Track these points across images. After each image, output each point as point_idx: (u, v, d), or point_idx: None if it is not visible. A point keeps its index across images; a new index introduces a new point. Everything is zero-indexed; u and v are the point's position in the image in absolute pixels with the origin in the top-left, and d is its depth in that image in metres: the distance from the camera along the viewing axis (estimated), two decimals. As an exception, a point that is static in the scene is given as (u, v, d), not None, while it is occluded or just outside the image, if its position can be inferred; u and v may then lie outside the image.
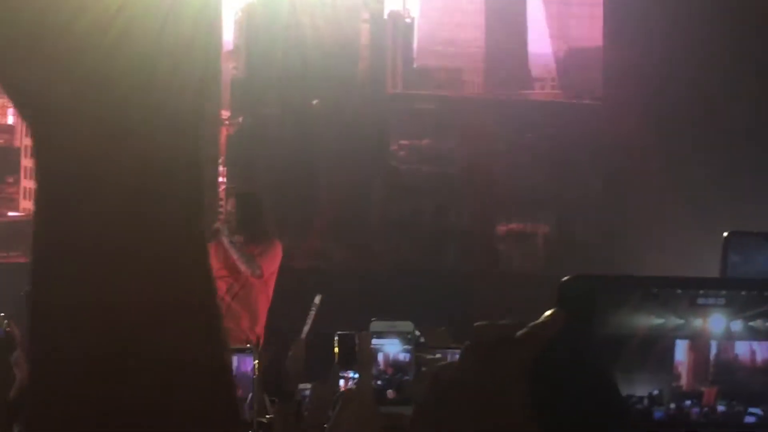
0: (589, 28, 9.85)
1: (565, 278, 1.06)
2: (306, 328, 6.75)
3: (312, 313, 6.83)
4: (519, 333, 1.00)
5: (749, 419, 1.16)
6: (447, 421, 1.00)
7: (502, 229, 9.33)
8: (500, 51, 9.86)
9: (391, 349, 4.73)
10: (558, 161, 9.45)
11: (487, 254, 9.20)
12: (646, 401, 1.12)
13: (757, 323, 1.14)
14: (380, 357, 4.79)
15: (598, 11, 9.76)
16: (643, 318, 1.11)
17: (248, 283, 7.27)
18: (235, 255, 7.16)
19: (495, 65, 9.81)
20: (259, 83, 9.48)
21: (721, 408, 1.15)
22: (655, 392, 1.13)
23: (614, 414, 1.06)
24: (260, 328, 7.23)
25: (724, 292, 1.15)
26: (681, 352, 1.14)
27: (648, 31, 9.22)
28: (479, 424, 0.99)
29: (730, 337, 1.15)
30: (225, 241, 7.14)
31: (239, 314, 7.16)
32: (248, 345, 6.06)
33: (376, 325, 4.90)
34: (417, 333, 4.54)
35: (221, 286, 7.02)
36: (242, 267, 7.16)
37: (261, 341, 6.82)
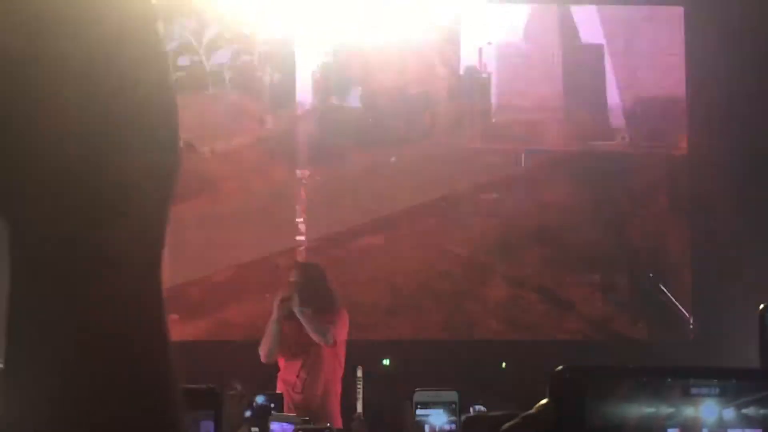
0: (670, 78, 9.75)
1: (556, 369, 1.05)
2: (359, 404, 6.76)
3: (359, 386, 6.84)
4: (508, 425, 0.99)
5: None
6: None
7: (573, 284, 9.19)
8: (579, 103, 9.78)
9: (436, 420, 4.71)
10: (637, 214, 9.36)
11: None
12: None
13: (750, 410, 1.13)
14: (426, 428, 4.78)
15: (678, 60, 9.68)
16: (634, 408, 1.09)
17: (320, 354, 7.12)
18: (308, 325, 7.03)
19: (574, 117, 9.73)
20: (336, 141, 9.51)
21: None
22: None
23: None
24: (336, 398, 7.13)
25: (716, 381, 1.14)
26: None
27: (732, 80, 9.11)
28: None
29: (722, 425, 1.14)
30: (297, 311, 7.01)
31: (313, 385, 7.04)
32: (328, 425, 6.09)
33: (420, 395, 4.89)
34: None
35: (296, 363, 7.04)
36: (315, 337, 7.03)
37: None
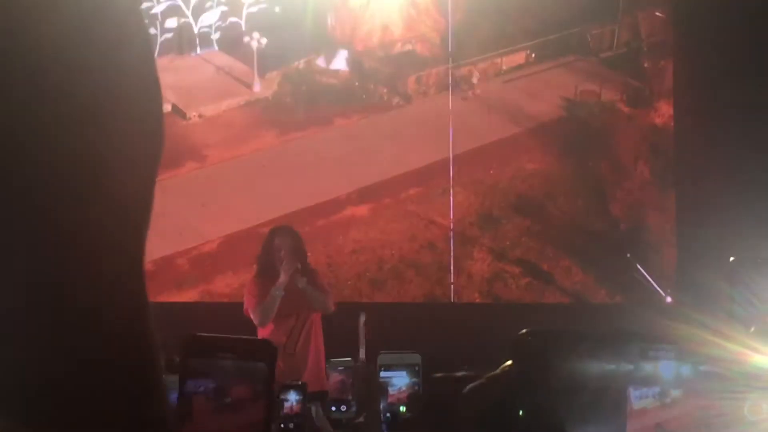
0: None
1: (520, 332, 1.06)
2: (362, 350, 6.87)
3: (362, 333, 6.96)
4: (473, 384, 1.02)
5: None
6: None
7: (553, 257, 9.31)
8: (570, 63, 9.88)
9: (399, 381, 4.84)
10: (620, 185, 9.47)
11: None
12: None
13: (707, 366, 1.17)
14: (389, 390, 4.90)
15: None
16: (595, 366, 1.10)
17: (309, 319, 7.16)
18: (311, 297, 7.05)
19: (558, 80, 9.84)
20: (321, 105, 9.62)
21: None
22: None
23: None
24: (323, 361, 7.09)
25: (674, 346, 1.15)
26: (632, 396, 1.13)
27: (722, 36, 9.16)
28: None
29: (680, 381, 1.15)
30: (301, 284, 7.01)
31: (306, 350, 7.07)
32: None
33: (384, 358, 5.03)
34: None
35: (285, 326, 7.03)
36: (317, 307, 7.07)
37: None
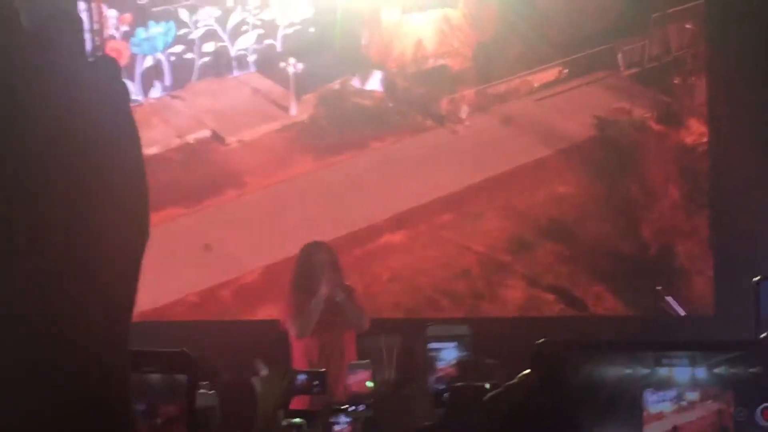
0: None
1: (538, 342, 1.09)
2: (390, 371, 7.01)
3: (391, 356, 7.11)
4: (491, 394, 1.02)
5: None
6: None
7: (585, 283, 9.48)
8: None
9: (448, 354, 4.91)
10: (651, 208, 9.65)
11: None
12: None
13: (722, 370, 1.17)
14: (438, 364, 4.99)
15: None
16: (611, 371, 1.14)
17: (342, 336, 7.25)
18: (350, 312, 7.15)
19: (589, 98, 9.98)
20: (356, 128, 9.80)
21: None
22: None
23: None
24: None
25: (687, 353, 1.17)
26: (647, 400, 1.16)
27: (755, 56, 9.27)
28: None
29: (695, 384, 1.18)
30: (340, 299, 7.11)
31: (340, 365, 6.99)
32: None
33: (433, 329, 5.17)
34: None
35: (317, 343, 7.13)
36: (353, 323, 7.18)
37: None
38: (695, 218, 9.56)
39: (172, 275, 8.79)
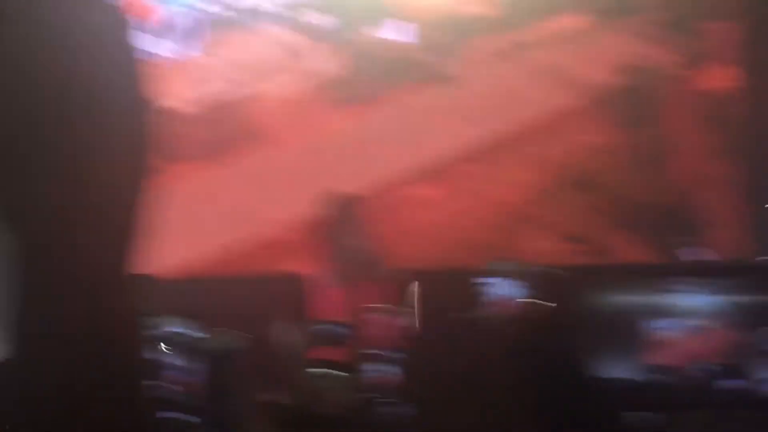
0: None
1: (545, 270, 1.39)
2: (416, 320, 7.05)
3: (415, 302, 7.14)
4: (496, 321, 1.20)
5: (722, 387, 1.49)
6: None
7: (614, 236, 9.51)
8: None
9: (498, 288, 5.07)
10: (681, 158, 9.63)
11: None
12: (624, 377, 1.45)
13: (728, 298, 1.47)
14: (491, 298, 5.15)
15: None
16: (618, 299, 1.44)
17: (365, 289, 7.20)
18: (374, 260, 7.25)
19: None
20: (373, 78, 9.78)
21: (693, 378, 1.47)
22: (632, 368, 1.46)
23: (587, 388, 1.24)
24: None
25: (697, 278, 1.48)
26: (655, 328, 1.49)
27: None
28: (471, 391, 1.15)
29: (704, 313, 1.50)
30: (367, 246, 7.26)
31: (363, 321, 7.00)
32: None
33: (493, 265, 5.31)
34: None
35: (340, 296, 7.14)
36: (377, 271, 7.27)
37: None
38: (720, 167, 9.54)
39: (196, 232, 8.87)
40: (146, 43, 8.95)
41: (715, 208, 9.48)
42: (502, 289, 4.95)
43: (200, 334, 5.19)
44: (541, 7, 9.94)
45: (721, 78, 9.83)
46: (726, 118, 9.67)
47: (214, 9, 9.75)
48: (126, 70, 1.08)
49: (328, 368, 5.90)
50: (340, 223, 7.35)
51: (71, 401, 1.05)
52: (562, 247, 9.33)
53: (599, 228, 9.40)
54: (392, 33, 9.89)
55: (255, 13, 9.85)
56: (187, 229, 8.79)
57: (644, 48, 9.95)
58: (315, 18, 9.77)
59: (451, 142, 9.48)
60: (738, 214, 9.39)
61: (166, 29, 9.70)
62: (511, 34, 9.91)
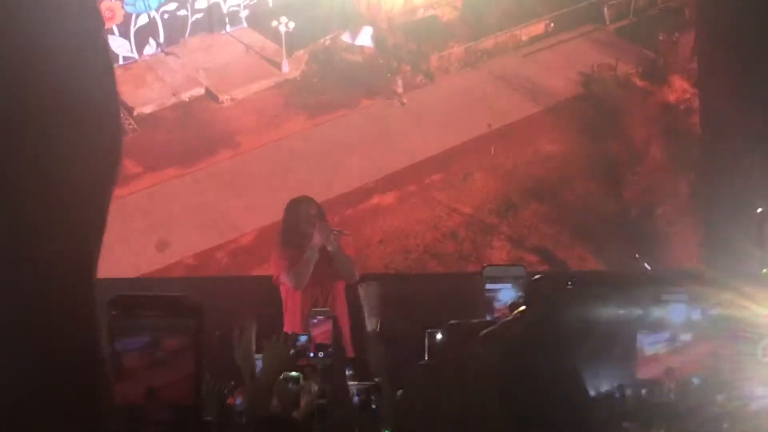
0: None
1: (534, 278, 1.11)
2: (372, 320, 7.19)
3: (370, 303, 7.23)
4: (486, 330, 1.02)
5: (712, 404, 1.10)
6: (432, 406, 0.99)
7: (568, 245, 9.77)
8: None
9: (505, 295, 5.10)
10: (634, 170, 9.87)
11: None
12: (611, 389, 1.14)
13: (716, 312, 1.18)
14: (495, 304, 5.20)
15: None
16: (606, 310, 1.14)
17: (334, 288, 7.21)
18: (339, 262, 7.10)
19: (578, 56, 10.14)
20: (347, 85, 9.96)
21: (680, 395, 1.14)
22: (619, 382, 1.12)
23: (576, 402, 1.02)
24: (348, 331, 7.15)
25: (685, 288, 1.17)
26: (642, 342, 1.15)
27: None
28: (457, 406, 0.97)
29: (690, 327, 1.18)
30: (332, 249, 7.06)
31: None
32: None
33: (490, 270, 5.37)
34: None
35: (312, 296, 7.11)
36: (344, 274, 7.13)
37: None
38: (677, 179, 9.82)
39: (170, 237, 9.06)
40: (114, 46, 9.11)
41: (672, 221, 9.75)
42: (501, 294, 4.98)
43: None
44: (505, 16, 10.13)
45: (679, 90, 10.08)
46: (684, 130, 9.92)
47: (182, 12, 9.87)
48: (101, 72, 1.01)
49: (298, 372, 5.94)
50: (303, 226, 7.25)
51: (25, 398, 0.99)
52: (519, 256, 9.59)
53: (556, 239, 9.66)
54: (360, 39, 10.06)
55: (222, 17, 9.98)
56: (159, 234, 8.98)
57: (603, 57, 10.19)
58: (283, 23, 9.91)
59: (416, 150, 9.70)
60: (693, 227, 9.67)
61: (132, 32, 9.81)
62: (477, 43, 10.12)
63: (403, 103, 9.86)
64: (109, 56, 1.02)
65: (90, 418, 1.03)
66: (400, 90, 9.87)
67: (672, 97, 10.07)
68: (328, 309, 6.35)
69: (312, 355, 5.89)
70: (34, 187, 0.97)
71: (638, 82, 10.14)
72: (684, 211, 9.76)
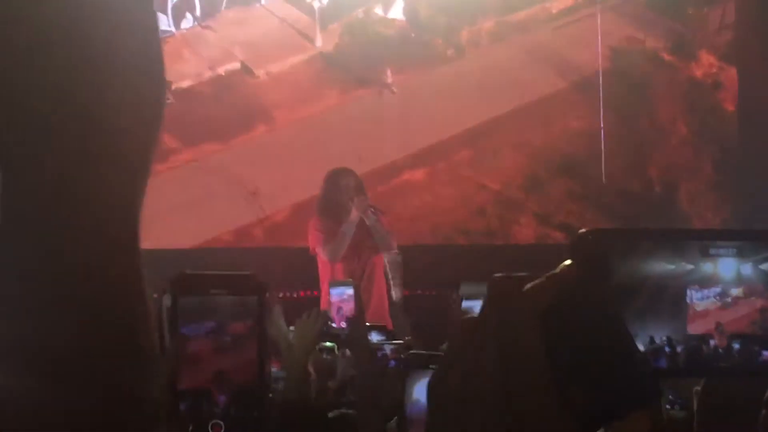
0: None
1: (581, 231, 1.05)
2: (397, 289, 7.28)
3: (397, 274, 7.28)
4: (533, 283, 0.99)
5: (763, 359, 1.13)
6: (470, 362, 0.97)
7: (594, 222, 9.94)
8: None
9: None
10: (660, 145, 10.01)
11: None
12: (660, 344, 1.12)
13: (767, 266, 1.13)
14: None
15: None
16: (654, 265, 1.10)
17: (372, 261, 7.32)
18: (378, 233, 7.24)
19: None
20: (379, 59, 10.14)
21: (734, 349, 1.16)
22: (668, 336, 1.12)
23: (623, 356, 0.99)
24: (386, 303, 7.27)
25: (734, 242, 1.14)
26: (692, 297, 1.13)
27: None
28: (498, 366, 0.95)
29: (740, 281, 1.14)
30: (369, 220, 7.20)
31: (370, 289, 7.15)
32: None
33: (465, 289, 5.62)
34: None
35: (351, 268, 7.18)
36: (381, 245, 7.28)
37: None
38: (702, 155, 10.00)
39: (207, 214, 9.36)
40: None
41: (697, 197, 9.94)
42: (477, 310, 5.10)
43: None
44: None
45: (706, 65, 10.19)
46: (711, 105, 10.06)
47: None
48: (149, 45, 1.03)
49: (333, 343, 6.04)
50: (341, 198, 7.34)
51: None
52: (546, 233, 9.83)
53: (582, 216, 9.87)
54: (392, 11, 10.19)
55: (260, -9, 10.12)
56: (198, 206, 9.28)
57: (631, 31, 10.29)
58: (318, 2, 10.06)
59: (446, 126, 9.90)
60: (717, 203, 9.87)
61: (169, 6, 9.97)
62: (508, 16, 10.23)
63: (393, 92, 9.97)
64: (155, 19, 1.04)
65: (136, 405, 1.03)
66: (389, 80, 9.99)
67: (699, 72, 10.20)
68: (350, 279, 6.49)
69: (335, 325, 5.95)
70: (75, 164, 0.98)
71: (666, 57, 10.26)
72: (709, 188, 9.94)
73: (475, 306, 4.94)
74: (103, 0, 0.99)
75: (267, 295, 2.80)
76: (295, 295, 8.62)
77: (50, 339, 0.98)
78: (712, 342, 1.14)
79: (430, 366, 2.78)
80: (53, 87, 0.97)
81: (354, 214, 7.17)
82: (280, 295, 8.26)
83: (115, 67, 0.99)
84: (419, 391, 2.87)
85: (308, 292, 8.43)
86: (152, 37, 1.06)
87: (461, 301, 5.08)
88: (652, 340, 1.10)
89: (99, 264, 1.00)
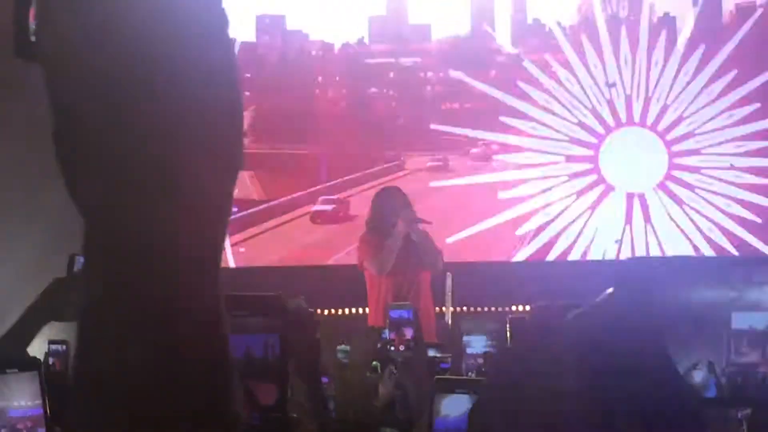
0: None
1: (624, 259, 1.35)
2: (448, 314, 6.93)
3: (449, 295, 6.96)
4: (576, 312, 0.97)
5: None
6: (510, 398, 0.95)
7: None
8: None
9: (477, 344, 4.99)
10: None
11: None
12: (706, 374, 1.10)
13: None
14: (468, 351, 5.05)
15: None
16: (699, 293, 1.09)
17: (419, 277, 7.20)
18: (425, 250, 7.13)
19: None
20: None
21: None
22: (710, 361, 1.10)
23: (670, 393, 0.96)
24: (433, 320, 7.15)
25: None
26: (737, 323, 1.07)
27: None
28: (538, 392, 0.94)
29: None
30: (415, 235, 7.10)
31: (416, 305, 6.66)
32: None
33: (465, 323, 5.16)
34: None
35: (397, 283, 7.13)
36: (428, 262, 7.15)
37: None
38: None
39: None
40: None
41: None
42: (479, 343, 5.02)
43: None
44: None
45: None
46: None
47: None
48: (232, 56, 1.03)
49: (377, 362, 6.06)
50: (389, 215, 7.25)
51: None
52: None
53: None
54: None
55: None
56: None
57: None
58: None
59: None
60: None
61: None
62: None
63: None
64: (233, 52, 1.05)
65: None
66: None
67: None
68: (408, 302, 6.18)
69: (392, 349, 5.73)
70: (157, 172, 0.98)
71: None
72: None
73: (474, 340, 5.00)
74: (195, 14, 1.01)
75: (314, 318, 2.98)
76: (340, 312, 8.61)
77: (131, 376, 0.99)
78: (760, 372, 1.15)
79: (456, 390, 2.78)
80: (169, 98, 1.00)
81: (400, 226, 7.10)
82: (326, 312, 8.27)
83: (215, 80, 1.00)
84: (447, 406, 2.92)
85: (353, 311, 8.56)
86: (232, 50, 1.07)
87: (462, 336, 5.07)
88: (695, 366, 1.14)
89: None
